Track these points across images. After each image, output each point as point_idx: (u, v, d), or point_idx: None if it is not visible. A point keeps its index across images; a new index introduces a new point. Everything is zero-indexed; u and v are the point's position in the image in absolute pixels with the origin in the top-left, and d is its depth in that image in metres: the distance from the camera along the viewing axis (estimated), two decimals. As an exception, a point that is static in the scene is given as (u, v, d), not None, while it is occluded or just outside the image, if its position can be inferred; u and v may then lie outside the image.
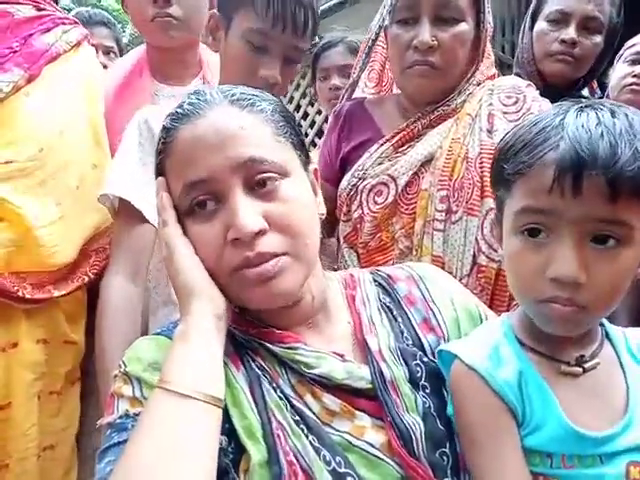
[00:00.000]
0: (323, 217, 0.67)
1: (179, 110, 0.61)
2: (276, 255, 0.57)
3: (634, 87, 1.52)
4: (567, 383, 0.56)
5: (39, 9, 1.06)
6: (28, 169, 0.97)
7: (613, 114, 0.52)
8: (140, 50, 1.37)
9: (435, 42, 0.94)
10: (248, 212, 0.56)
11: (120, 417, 0.56)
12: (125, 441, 0.52)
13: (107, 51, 1.85)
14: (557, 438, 0.53)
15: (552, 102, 1.02)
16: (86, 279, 1.02)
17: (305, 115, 3.57)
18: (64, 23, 1.08)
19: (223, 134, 0.57)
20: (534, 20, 1.40)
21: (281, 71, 1.04)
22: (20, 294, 0.94)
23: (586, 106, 0.54)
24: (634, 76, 1.54)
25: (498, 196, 0.61)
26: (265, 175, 0.58)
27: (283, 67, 1.04)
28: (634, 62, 1.54)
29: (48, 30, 1.03)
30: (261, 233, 0.56)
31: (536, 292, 0.54)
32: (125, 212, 0.97)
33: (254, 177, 0.57)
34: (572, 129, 0.52)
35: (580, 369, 0.56)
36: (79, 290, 1.05)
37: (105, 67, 1.54)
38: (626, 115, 0.53)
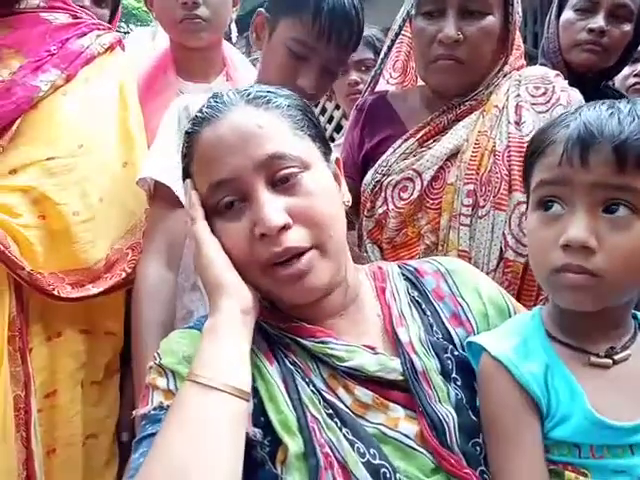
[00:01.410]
0: (349, 204, 0.68)
1: (199, 114, 0.64)
2: (303, 250, 0.59)
3: (637, 87, 1.51)
4: (596, 375, 0.56)
5: (75, 17, 1.11)
6: (69, 165, 1.01)
7: (630, 101, 0.55)
8: (163, 47, 1.38)
9: (460, 36, 0.93)
10: (272, 208, 0.58)
11: (154, 409, 0.58)
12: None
13: None
14: (583, 429, 0.53)
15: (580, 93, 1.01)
16: (123, 274, 1.05)
17: (323, 110, 3.56)
18: (98, 28, 1.12)
19: (242, 134, 0.60)
20: (561, 9, 1.38)
21: (319, 81, 1.05)
22: (56, 293, 0.97)
23: (610, 100, 0.56)
24: (635, 75, 1.52)
25: (527, 187, 0.62)
26: (287, 171, 0.60)
27: (322, 77, 1.05)
28: (635, 61, 1.52)
29: (84, 34, 1.08)
30: (286, 228, 0.58)
31: (550, 263, 0.55)
32: (162, 196, 0.98)
33: (276, 173, 0.59)
34: (585, 112, 0.55)
35: (610, 361, 0.56)
36: (117, 286, 1.08)
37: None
38: None
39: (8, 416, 0.94)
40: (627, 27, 1.30)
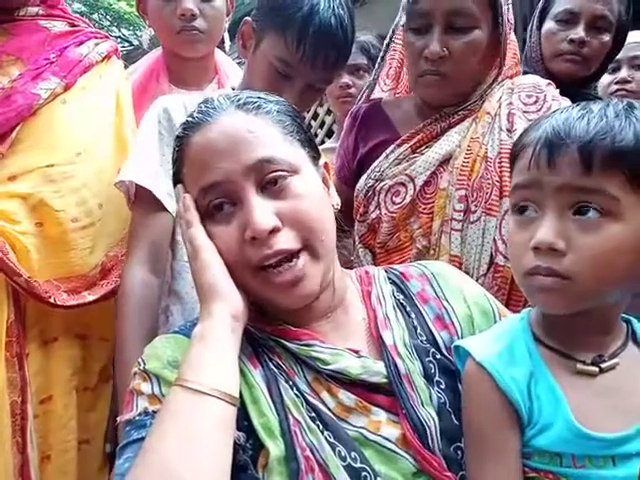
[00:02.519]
0: (338, 207, 0.69)
1: (190, 119, 0.65)
2: (293, 252, 0.60)
3: (619, 93, 1.57)
4: (582, 382, 0.55)
5: (73, 25, 1.12)
6: (69, 172, 1.01)
7: (604, 102, 0.55)
8: (154, 55, 1.40)
9: (445, 52, 0.94)
10: (261, 211, 0.59)
11: (139, 414, 0.57)
12: (144, 438, 0.53)
13: None
14: (565, 439, 0.53)
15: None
16: (119, 281, 1.04)
17: (315, 115, 3.59)
18: (96, 37, 1.13)
19: (232, 139, 0.61)
20: (542, 19, 1.42)
21: (303, 98, 1.02)
22: (52, 301, 0.97)
23: (586, 102, 0.56)
24: (617, 82, 1.58)
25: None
26: (275, 174, 0.60)
27: (306, 94, 1.03)
28: (614, 70, 1.59)
29: (82, 43, 1.09)
30: (275, 230, 0.59)
31: (523, 266, 0.55)
32: (143, 201, 0.97)
33: (265, 177, 0.60)
34: (556, 115, 0.55)
35: (596, 369, 0.55)
36: (113, 293, 1.07)
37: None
38: (620, 102, 0.54)
39: (4, 422, 0.94)
40: (606, 37, 1.34)
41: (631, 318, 0.61)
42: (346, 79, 1.60)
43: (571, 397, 0.54)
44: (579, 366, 0.56)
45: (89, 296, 1.03)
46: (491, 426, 0.56)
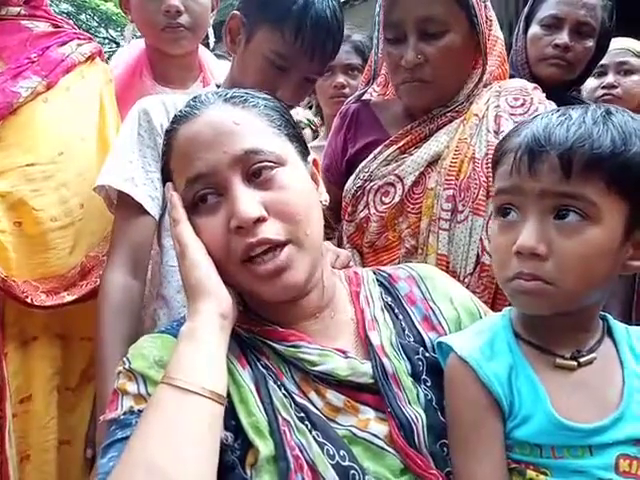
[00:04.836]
0: (327, 204, 0.69)
1: (178, 113, 0.66)
2: (278, 243, 0.59)
3: (605, 97, 1.61)
4: (561, 376, 0.57)
5: (56, 26, 1.11)
6: (49, 171, 1.00)
7: (583, 108, 0.56)
8: (136, 50, 1.36)
9: (421, 59, 0.96)
10: (247, 200, 0.58)
11: (124, 413, 0.57)
12: (128, 437, 0.52)
13: None
14: (544, 430, 0.54)
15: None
16: (98, 281, 1.03)
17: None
18: (79, 38, 1.12)
19: (219, 130, 0.61)
20: (528, 24, 1.45)
21: (298, 91, 1.04)
22: (29, 301, 0.96)
23: (566, 107, 0.58)
24: (603, 87, 1.62)
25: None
26: (261, 165, 0.60)
27: (301, 87, 1.04)
28: (600, 75, 1.62)
29: (64, 43, 1.07)
30: (261, 220, 0.58)
31: (506, 269, 0.56)
32: (124, 205, 0.96)
33: (251, 167, 0.60)
34: (537, 121, 0.56)
35: (575, 363, 0.57)
36: (92, 293, 1.05)
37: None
38: (598, 108, 0.56)
39: (-17, 422, 0.92)
40: (589, 43, 1.37)
41: (607, 315, 0.63)
42: (341, 79, 1.59)
43: (550, 390, 0.56)
44: (558, 360, 0.57)
45: (68, 297, 1.02)
46: (474, 419, 0.57)
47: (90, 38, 1.17)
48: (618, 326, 0.62)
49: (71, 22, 1.19)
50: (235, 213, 0.58)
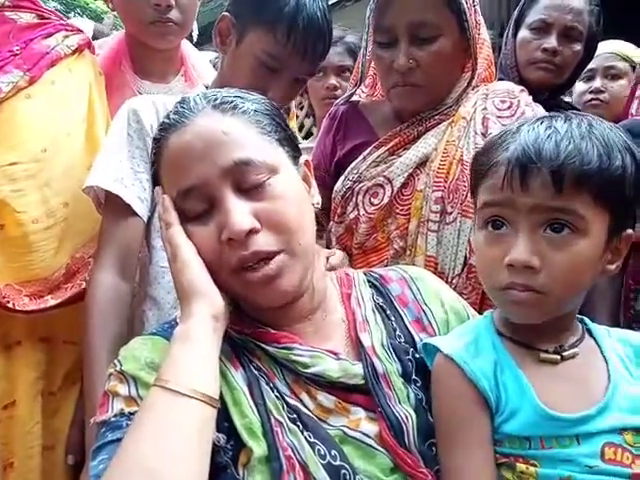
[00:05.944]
0: (319, 206, 0.69)
1: (166, 120, 0.65)
2: (271, 254, 0.59)
3: (593, 102, 1.63)
4: (545, 370, 0.59)
5: (42, 17, 1.07)
6: (32, 170, 0.97)
7: (567, 120, 0.57)
8: (115, 40, 1.32)
9: (413, 63, 0.96)
10: (239, 212, 0.58)
11: (115, 415, 0.57)
12: (119, 439, 0.52)
13: None
14: (532, 422, 0.56)
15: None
16: (84, 285, 1.02)
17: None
18: (66, 29, 1.08)
19: (208, 141, 0.60)
20: (517, 28, 1.46)
21: (289, 91, 1.05)
22: (11, 306, 0.94)
23: (549, 117, 0.59)
24: (591, 92, 1.64)
25: (474, 201, 0.64)
26: (253, 177, 0.60)
27: (292, 87, 1.05)
28: (589, 79, 1.64)
29: (50, 35, 1.04)
30: (253, 232, 0.58)
31: (497, 281, 0.57)
32: (113, 205, 0.95)
33: (242, 178, 0.60)
34: (524, 133, 0.57)
35: (558, 356, 0.59)
36: (77, 297, 1.04)
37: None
38: (581, 121, 0.57)
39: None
40: (577, 47, 1.38)
41: (584, 317, 0.65)
42: (333, 80, 1.59)
43: (535, 383, 0.57)
44: (542, 355, 0.59)
45: (52, 300, 1.00)
46: (462, 416, 0.58)
47: (79, 30, 1.13)
48: (597, 327, 0.65)
49: (59, 14, 1.15)
50: (227, 225, 0.58)
